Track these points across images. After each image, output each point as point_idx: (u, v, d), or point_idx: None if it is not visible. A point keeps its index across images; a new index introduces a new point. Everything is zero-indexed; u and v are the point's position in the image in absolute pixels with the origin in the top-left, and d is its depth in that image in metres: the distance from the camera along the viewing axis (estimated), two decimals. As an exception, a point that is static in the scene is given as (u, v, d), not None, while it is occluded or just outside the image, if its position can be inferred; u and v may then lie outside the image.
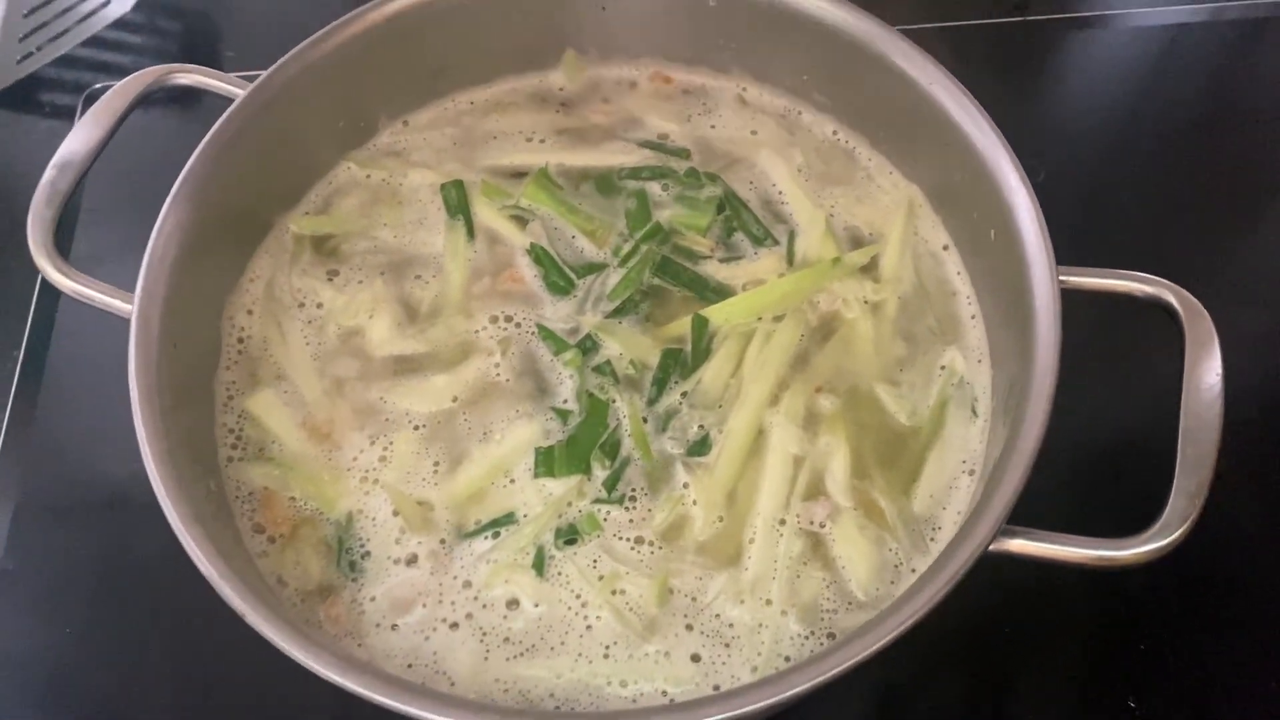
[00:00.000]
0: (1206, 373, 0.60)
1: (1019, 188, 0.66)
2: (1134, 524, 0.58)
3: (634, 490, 0.67)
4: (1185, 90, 1.02)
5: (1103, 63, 1.04)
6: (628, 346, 0.71)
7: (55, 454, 0.85)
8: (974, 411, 0.69)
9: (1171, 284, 0.63)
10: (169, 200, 0.67)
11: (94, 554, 0.80)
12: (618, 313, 0.73)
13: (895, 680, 0.75)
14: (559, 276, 0.74)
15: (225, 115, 0.71)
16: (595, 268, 0.75)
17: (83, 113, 1.01)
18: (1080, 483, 0.74)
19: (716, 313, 0.72)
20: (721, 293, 0.73)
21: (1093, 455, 0.77)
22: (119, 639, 0.76)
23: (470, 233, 0.77)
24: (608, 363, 0.71)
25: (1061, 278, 0.63)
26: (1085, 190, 0.93)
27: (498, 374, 0.71)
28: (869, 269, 0.74)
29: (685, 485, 0.67)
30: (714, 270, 0.75)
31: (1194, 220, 0.91)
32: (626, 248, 0.75)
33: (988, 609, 0.75)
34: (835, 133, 0.81)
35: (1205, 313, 0.61)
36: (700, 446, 0.68)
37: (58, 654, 0.76)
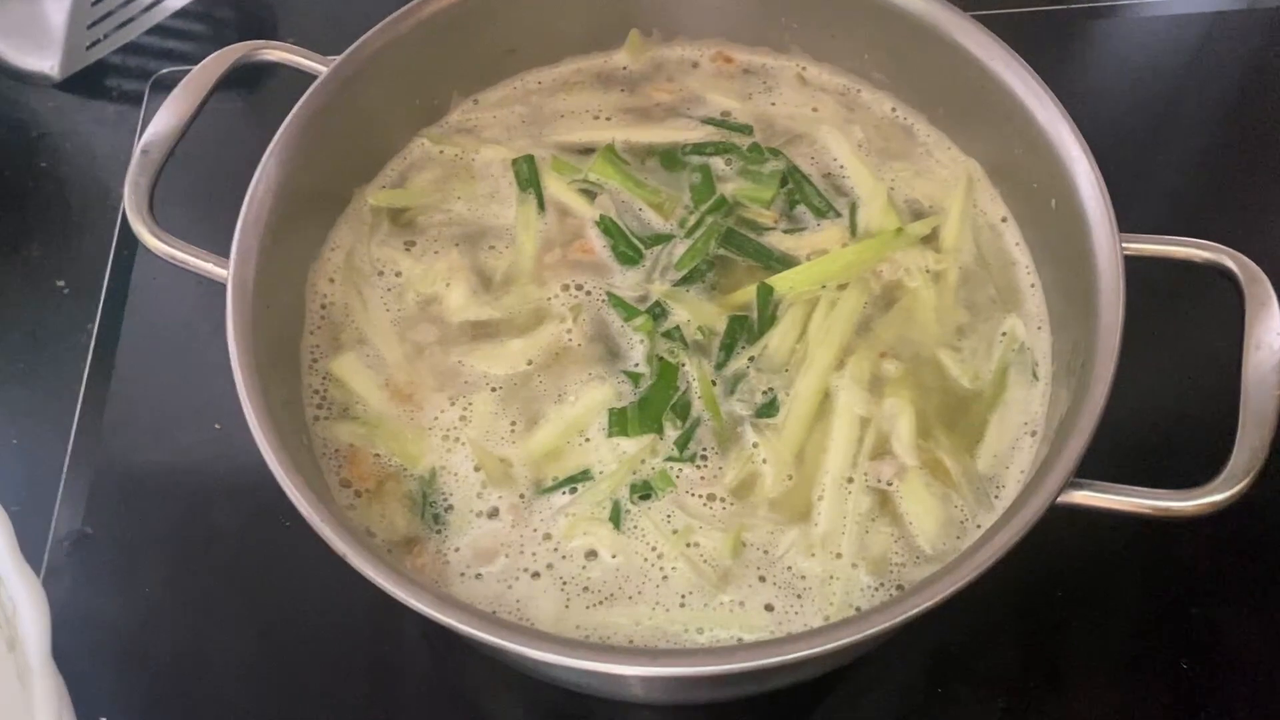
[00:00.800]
0: (1266, 333, 0.62)
1: (1080, 157, 0.68)
2: (1192, 483, 0.60)
3: (705, 449, 0.69)
4: (1224, 77, 1.04)
5: (1141, 50, 1.06)
6: (695, 313, 0.73)
7: (131, 424, 0.88)
8: (1035, 375, 0.71)
9: (1230, 250, 0.65)
10: (259, 169, 0.70)
11: (169, 519, 0.83)
12: (685, 281, 0.75)
13: (950, 641, 0.77)
14: (627, 246, 0.77)
15: (309, 91, 0.74)
16: (662, 239, 0.77)
17: (150, 98, 1.04)
18: (1139, 445, 0.76)
19: (781, 281, 0.74)
20: (786, 262, 0.76)
21: (1151, 419, 0.78)
22: (194, 601, 0.79)
23: (541, 205, 0.79)
24: (676, 328, 0.73)
25: (1123, 244, 0.65)
26: (1128, 173, 0.94)
27: (569, 339, 0.73)
28: (929, 240, 0.76)
29: (755, 445, 0.69)
30: (778, 241, 0.77)
31: (1235, 199, 0.93)
32: (692, 220, 0.78)
33: (1041, 573, 0.77)
34: (894, 110, 0.83)
35: (1263, 275, 0.63)
36: (768, 409, 0.70)
37: (135, 615, 0.78)
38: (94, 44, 1.10)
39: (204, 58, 0.76)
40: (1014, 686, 0.75)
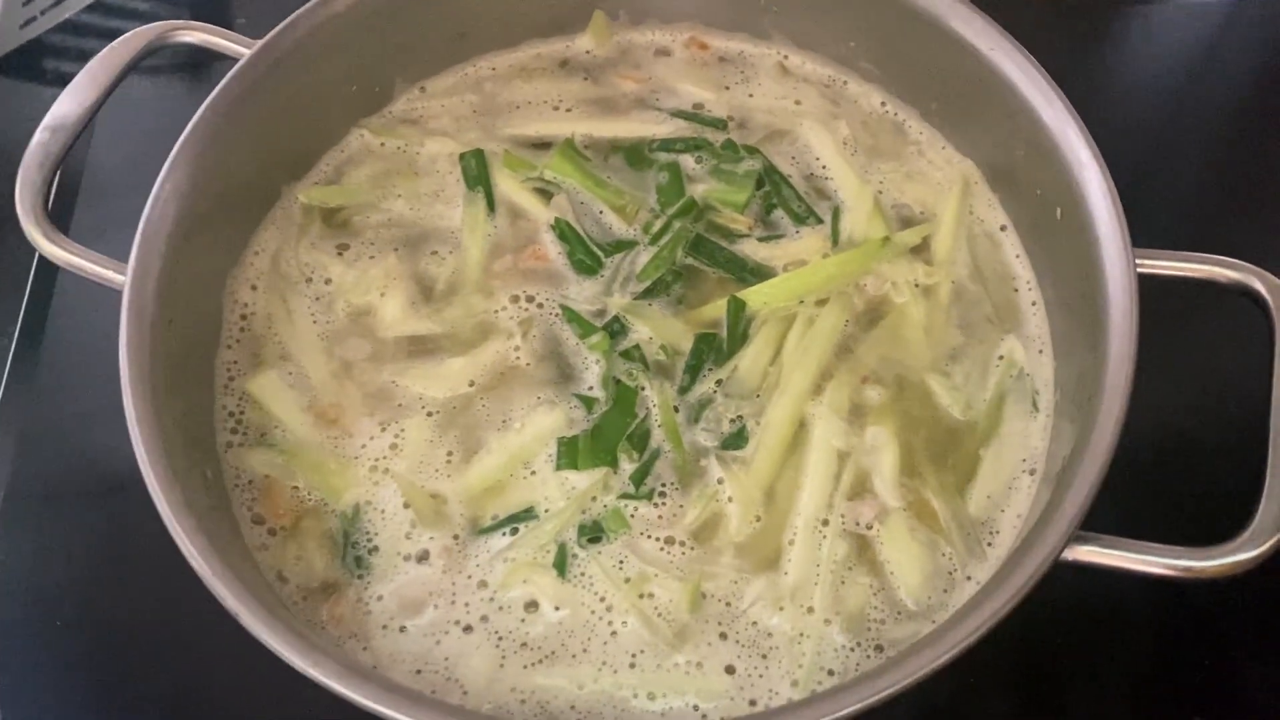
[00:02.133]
0: (1301, 366, 0.54)
1: (1090, 163, 0.61)
2: (1212, 532, 0.53)
3: (664, 485, 0.62)
4: (1243, 67, 0.97)
5: (1158, 40, 0.99)
6: (658, 330, 0.66)
7: (50, 437, 0.81)
8: (1035, 406, 0.64)
9: (1257, 269, 0.58)
10: (167, 165, 0.63)
11: (87, 542, 0.76)
12: (648, 294, 0.68)
13: (938, 695, 0.70)
14: (585, 254, 0.69)
15: (229, 75, 0.67)
16: (624, 245, 0.70)
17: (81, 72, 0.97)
18: (1151, 487, 0.69)
19: (755, 295, 0.67)
20: (760, 274, 0.69)
21: (1164, 457, 0.71)
22: (110, 631, 0.72)
23: (491, 206, 0.72)
24: (637, 347, 0.66)
25: (1136, 261, 0.58)
26: (1142, 172, 0.87)
27: (518, 358, 0.66)
28: (920, 250, 0.69)
29: (720, 481, 0.62)
30: (752, 250, 0.70)
31: (1259, 203, 0.85)
32: (658, 225, 0.71)
33: (1042, 624, 0.68)
34: (884, 104, 0.75)
35: (1298, 299, 0.56)
36: (736, 439, 0.63)
37: (47, 647, 0.72)
38: (28, 22, 1.03)
39: (150, 38, 0.69)
40: (1009, 747, 0.68)
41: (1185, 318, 0.67)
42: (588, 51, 0.79)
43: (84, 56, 1.00)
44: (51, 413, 0.82)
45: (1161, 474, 0.70)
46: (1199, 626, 0.71)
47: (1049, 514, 0.52)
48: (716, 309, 0.67)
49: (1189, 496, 0.68)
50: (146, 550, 0.73)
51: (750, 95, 0.76)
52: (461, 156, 0.73)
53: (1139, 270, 0.58)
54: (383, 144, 0.75)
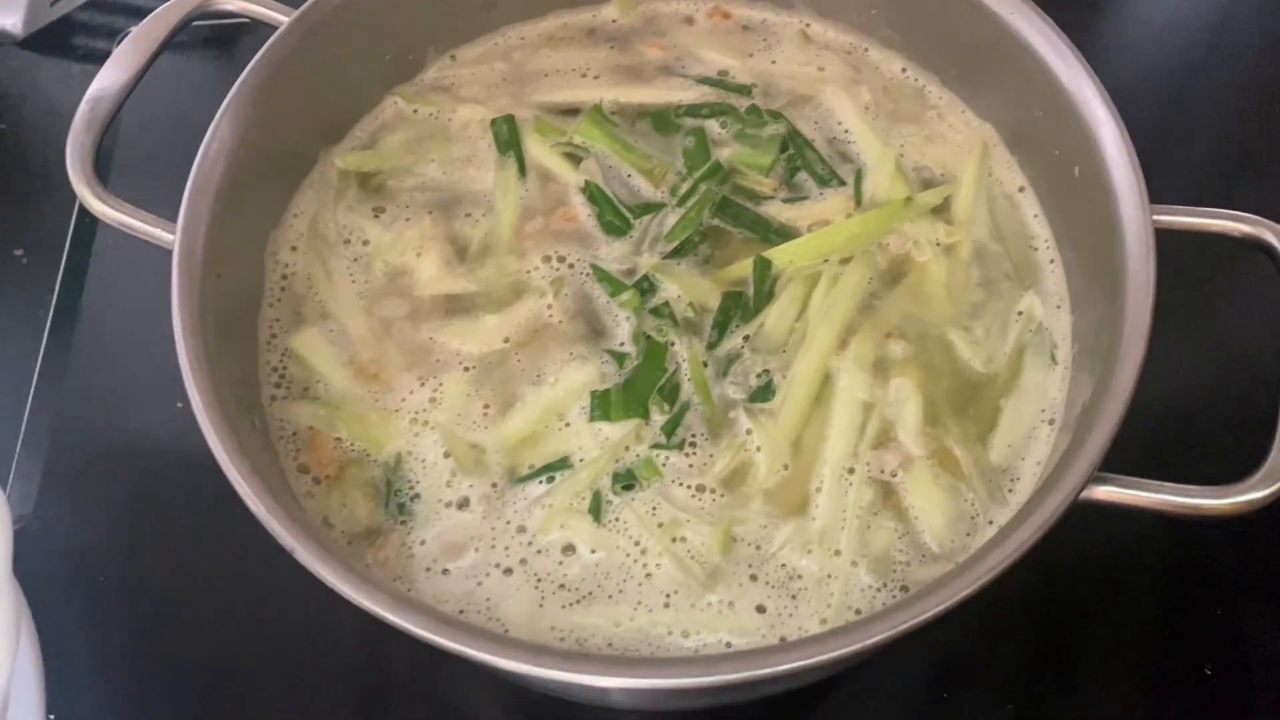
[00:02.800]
0: (1312, 314, 0.56)
1: (1107, 120, 0.62)
2: (1226, 478, 0.55)
3: (694, 436, 0.64)
4: (1260, 28, 0.98)
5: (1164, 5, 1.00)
6: (686, 289, 0.68)
7: (87, 402, 0.83)
8: (1053, 359, 0.66)
9: (1272, 223, 0.59)
10: (213, 126, 0.65)
11: (128, 502, 0.78)
12: (676, 254, 0.70)
13: (960, 643, 0.72)
14: (615, 216, 0.71)
15: (269, 43, 0.69)
16: (652, 207, 0.72)
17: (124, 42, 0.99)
18: (1166, 435, 0.71)
19: (780, 254, 0.69)
20: (785, 234, 0.70)
21: (1179, 407, 0.73)
22: (153, 589, 0.74)
23: (522, 170, 0.73)
24: (665, 305, 0.68)
25: (1153, 216, 0.60)
26: (1158, 139, 0.89)
27: (550, 315, 0.68)
28: (941, 211, 0.71)
29: (748, 432, 0.64)
30: (777, 211, 0.72)
31: (1275, 162, 0.87)
32: (685, 187, 0.72)
33: (1057, 573, 0.72)
34: (904, 70, 0.77)
35: (1309, 251, 0.58)
36: (763, 392, 0.65)
37: (91, 604, 0.74)
38: (57, 0, 1.04)
39: (172, 12, 0.71)
40: (1024, 692, 0.70)
41: (1201, 272, 0.69)
42: (614, 21, 0.80)
43: (112, 33, 1.03)
44: (90, 378, 0.84)
45: (1178, 422, 0.72)
46: (1210, 578, 0.73)
47: (1070, 455, 0.54)
48: (743, 268, 0.69)
49: (1206, 443, 0.69)
50: (185, 508, 0.76)
51: (773, 62, 0.78)
52: (493, 122, 0.75)
53: (1156, 225, 0.60)
54: (415, 111, 0.76)
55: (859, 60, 0.78)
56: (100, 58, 1.00)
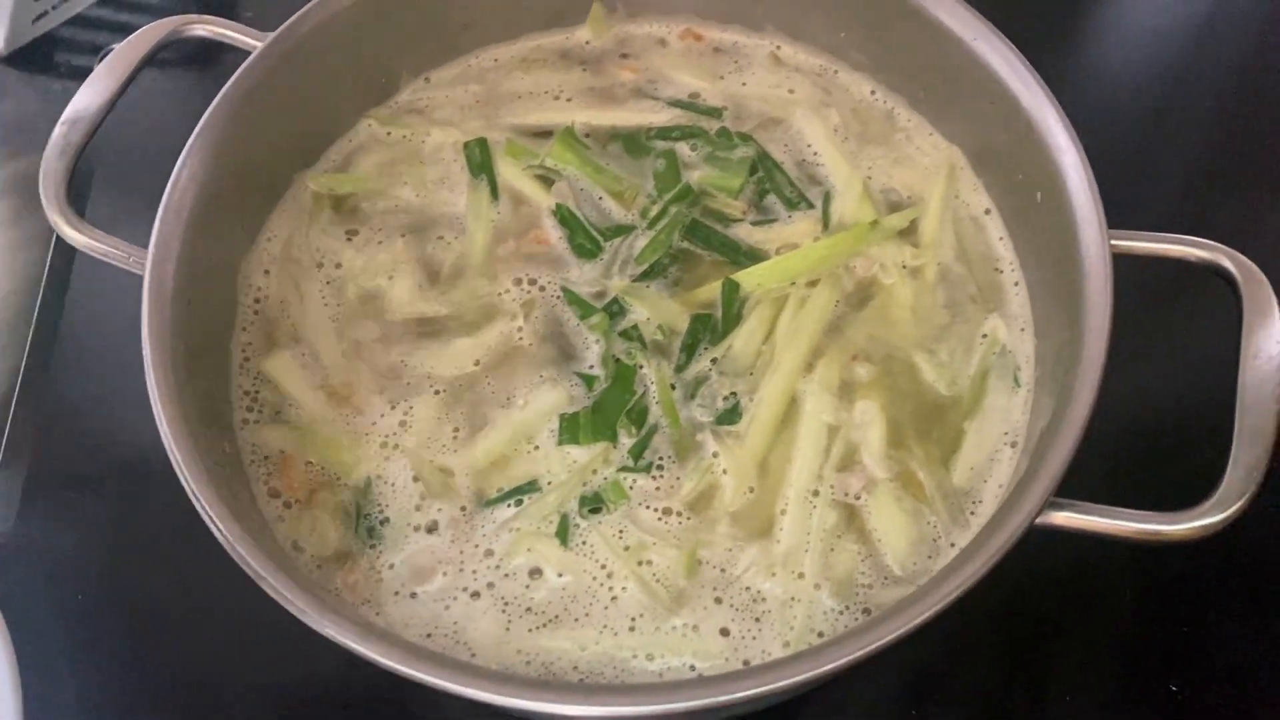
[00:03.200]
0: (1266, 341, 0.57)
1: (1068, 147, 0.63)
2: (1184, 500, 0.56)
3: (661, 459, 0.65)
4: (1233, 51, 0.98)
5: (1147, 21, 1.01)
6: (655, 311, 0.69)
7: (69, 419, 0.84)
8: (1016, 381, 0.67)
9: (1227, 249, 0.60)
10: (185, 152, 0.66)
11: (107, 521, 0.79)
12: (645, 276, 0.70)
13: (928, 661, 0.73)
14: (585, 239, 0.72)
15: (243, 67, 0.69)
16: (623, 230, 0.72)
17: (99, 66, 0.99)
18: (1127, 457, 0.71)
19: (748, 277, 0.69)
20: (754, 257, 0.71)
21: (1140, 429, 0.74)
22: (131, 607, 0.75)
23: (494, 193, 0.74)
24: (635, 328, 0.68)
25: (1112, 241, 0.60)
26: (1127, 155, 0.90)
27: (520, 338, 0.69)
28: (907, 234, 0.71)
29: (715, 454, 0.65)
30: (746, 234, 0.72)
31: (1243, 187, 0.88)
32: (655, 210, 0.73)
33: (1024, 589, 0.72)
34: (873, 92, 0.78)
35: (1264, 277, 0.58)
36: (730, 415, 0.66)
37: (68, 619, 0.74)
38: (40, 16, 1.05)
39: (157, 32, 0.71)
40: (994, 709, 0.71)
41: (1165, 298, 0.70)
42: (586, 43, 0.81)
43: (95, 50, 1.04)
44: (71, 395, 0.84)
45: (1137, 447, 0.73)
46: (1177, 597, 0.73)
47: (1026, 481, 0.55)
48: (711, 290, 0.69)
49: (1166, 466, 0.70)
50: (164, 526, 0.76)
51: (744, 84, 0.79)
52: (465, 145, 0.75)
53: (1114, 249, 0.60)
54: (389, 134, 0.77)
55: (829, 82, 0.78)
56: (82, 74, 1.01)
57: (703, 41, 0.80)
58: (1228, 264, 0.59)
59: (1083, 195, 0.62)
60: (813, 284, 0.69)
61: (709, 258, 0.71)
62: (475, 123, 0.77)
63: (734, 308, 0.69)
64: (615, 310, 0.69)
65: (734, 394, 0.66)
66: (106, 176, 0.95)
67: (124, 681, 0.72)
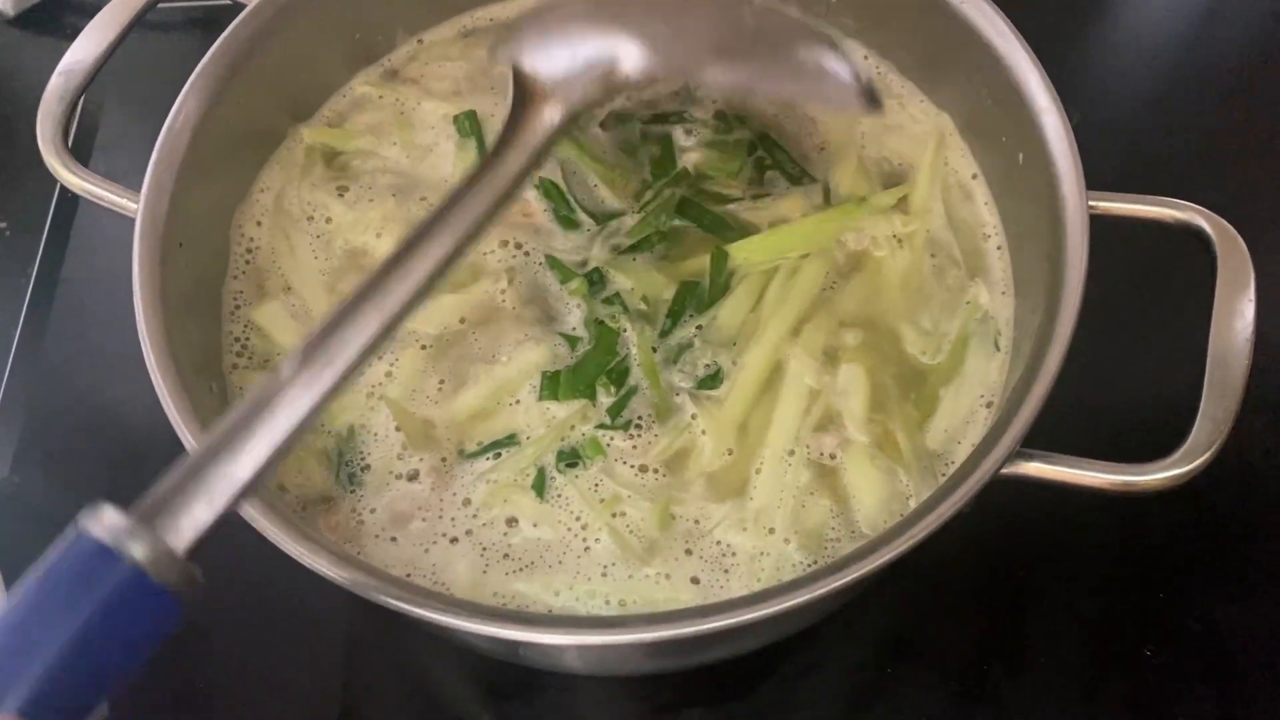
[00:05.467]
0: (1238, 299, 0.57)
1: (1050, 107, 0.63)
2: (1158, 456, 0.56)
3: (640, 419, 0.65)
4: (1235, 30, 0.98)
5: (1150, 6, 1.01)
6: (639, 283, 0.68)
7: (65, 373, 0.86)
8: (996, 345, 0.67)
9: (1205, 210, 0.60)
10: (178, 101, 0.67)
11: (101, 471, 0.80)
12: (632, 250, 0.70)
13: (903, 624, 0.74)
14: (569, 211, 0.72)
15: (237, 20, 0.70)
16: (615, 215, 0.72)
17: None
18: (1104, 417, 0.72)
19: (738, 250, 0.69)
20: (745, 232, 0.70)
21: (1119, 391, 0.74)
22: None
23: (482, 154, 0.75)
24: (617, 295, 0.68)
25: (1091, 203, 0.61)
26: (1126, 134, 0.90)
27: (504, 300, 0.69)
28: (897, 203, 0.71)
29: (693, 416, 0.65)
30: (737, 209, 0.72)
31: (1241, 163, 0.88)
32: (649, 194, 0.72)
33: (999, 553, 0.74)
34: (865, 58, 0.78)
35: (1239, 237, 0.59)
36: (711, 381, 0.66)
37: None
38: (48, -22, 1.06)
39: (166, -6, 0.73)
40: (968, 670, 0.72)
41: (1143, 262, 0.70)
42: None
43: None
44: (67, 350, 0.86)
45: (1115, 406, 0.73)
46: (1152, 562, 0.74)
47: (996, 432, 0.55)
48: (699, 263, 0.69)
49: (1145, 426, 0.70)
50: (157, 477, 0.78)
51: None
52: (455, 118, 0.75)
53: (1093, 211, 0.60)
54: (381, 97, 0.78)
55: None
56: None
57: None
58: (1204, 224, 0.60)
59: (1063, 155, 0.62)
60: (804, 258, 0.69)
61: (698, 234, 0.70)
62: (469, 99, 0.77)
63: (722, 277, 0.68)
64: (596, 279, 0.69)
65: (715, 362, 0.66)
66: (109, 137, 0.96)
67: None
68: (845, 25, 0.78)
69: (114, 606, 0.41)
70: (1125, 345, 0.74)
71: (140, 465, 0.77)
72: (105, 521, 0.42)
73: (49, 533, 0.75)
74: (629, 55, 0.56)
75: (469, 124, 0.75)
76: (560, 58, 0.57)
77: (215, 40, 0.69)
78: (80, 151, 0.91)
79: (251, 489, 0.45)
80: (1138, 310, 0.75)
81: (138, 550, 0.41)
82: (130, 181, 0.67)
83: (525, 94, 0.57)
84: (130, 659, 0.42)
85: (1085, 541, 0.73)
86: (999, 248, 0.70)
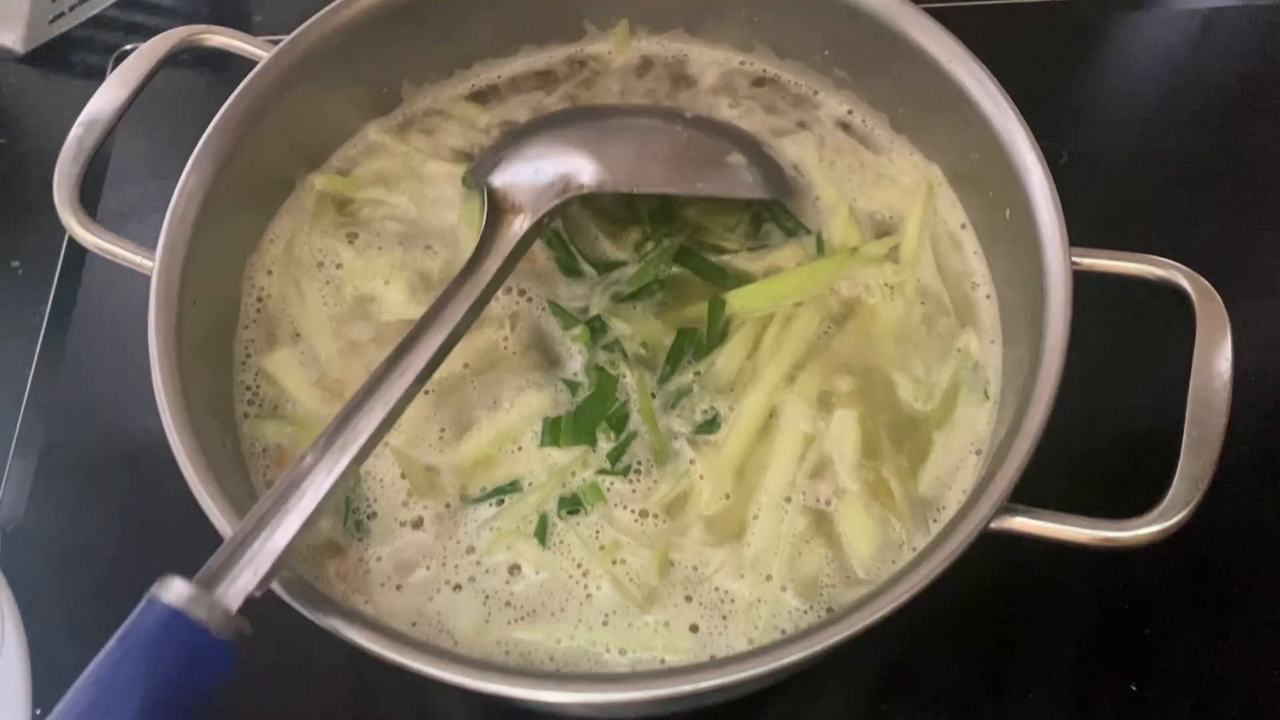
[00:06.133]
0: (1216, 357, 0.59)
1: (1034, 167, 0.65)
2: (1139, 508, 0.58)
3: (639, 464, 0.67)
4: (1218, 76, 1.01)
5: (1134, 46, 1.03)
6: (639, 329, 0.71)
7: (79, 410, 0.87)
8: (985, 394, 0.69)
9: (1184, 267, 0.62)
10: (191, 160, 0.68)
11: (115, 510, 0.82)
12: (632, 298, 0.72)
13: (895, 660, 0.75)
14: (571, 260, 0.74)
15: (249, 78, 0.72)
16: (616, 265, 0.74)
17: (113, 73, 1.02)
18: (1087, 467, 0.74)
19: (735, 298, 0.71)
20: (742, 281, 0.72)
21: (1101, 441, 0.76)
22: (139, 589, 0.75)
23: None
24: (617, 341, 0.70)
25: (1074, 259, 0.63)
26: (1110, 176, 0.92)
27: (506, 346, 0.71)
28: (888, 253, 0.74)
29: (692, 461, 0.67)
30: (735, 259, 0.74)
31: (1221, 210, 0.90)
32: (649, 246, 0.74)
33: (989, 591, 0.75)
34: (851, 112, 0.80)
35: (1217, 296, 0.60)
36: (709, 426, 0.68)
37: (78, 603, 0.77)
38: (58, 17, 1.08)
39: (171, 31, 0.74)
40: (958, 706, 0.73)
41: (1126, 315, 0.72)
42: (594, 59, 0.84)
43: (110, 50, 1.07)
44: (80, 388, 0.88)
45: (1098, 458, 0.75)
46: (1137, 599, 0.75)
47: (983, 486, 0.57)
48: (698, 310, 0.71)
49: (1120, 478, 0.72)
50: (173, 515, 0.79)
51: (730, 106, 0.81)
52: (464, 178, 0.77)
53: (1076, 267, 0.62)
54: (390, 144, 0.80)
55: (813, 102, 0.81)
56: (98, 74, 1.05)
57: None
58: (1183, 281, 0.62)
59: (1047, 213, 0.64)
60: (799, 305, 0.71)
61: (697, 282, 0.73)
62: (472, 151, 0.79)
63: (719, 324, 0.70)
64: (598, 326, 0.71)
65: (713, 408, 0.68)
66: (118, 175, 0.98)
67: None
68: (837, 77, 0.80)
69: (185, 659, 0.50)
70: (1110, 391, 0.75)
71: (153, 499, 0.80)
72: (174, 590, 0.51)
73: (63, 566, 0.79)
74: (583, 171, 0.70)
75: (473, 179, 0.77)
76: (524, 176, 0.70)
77: (219, 81, 0.71)
78: (90, 189, 0.93)
79: (287, 558, 0.54)
80: (1123, 356, 0.76)
81: (201, 612, 0.50)
82: (142, 224, 0.69)
83: (496, 209, 0.69)
84: (198, 703, 0.50)
85: (1073, 580, 0.75)
86: (988, 296, 0.72)
